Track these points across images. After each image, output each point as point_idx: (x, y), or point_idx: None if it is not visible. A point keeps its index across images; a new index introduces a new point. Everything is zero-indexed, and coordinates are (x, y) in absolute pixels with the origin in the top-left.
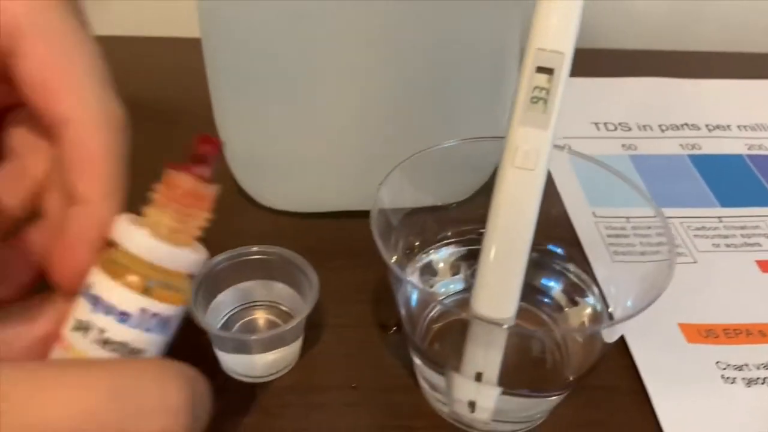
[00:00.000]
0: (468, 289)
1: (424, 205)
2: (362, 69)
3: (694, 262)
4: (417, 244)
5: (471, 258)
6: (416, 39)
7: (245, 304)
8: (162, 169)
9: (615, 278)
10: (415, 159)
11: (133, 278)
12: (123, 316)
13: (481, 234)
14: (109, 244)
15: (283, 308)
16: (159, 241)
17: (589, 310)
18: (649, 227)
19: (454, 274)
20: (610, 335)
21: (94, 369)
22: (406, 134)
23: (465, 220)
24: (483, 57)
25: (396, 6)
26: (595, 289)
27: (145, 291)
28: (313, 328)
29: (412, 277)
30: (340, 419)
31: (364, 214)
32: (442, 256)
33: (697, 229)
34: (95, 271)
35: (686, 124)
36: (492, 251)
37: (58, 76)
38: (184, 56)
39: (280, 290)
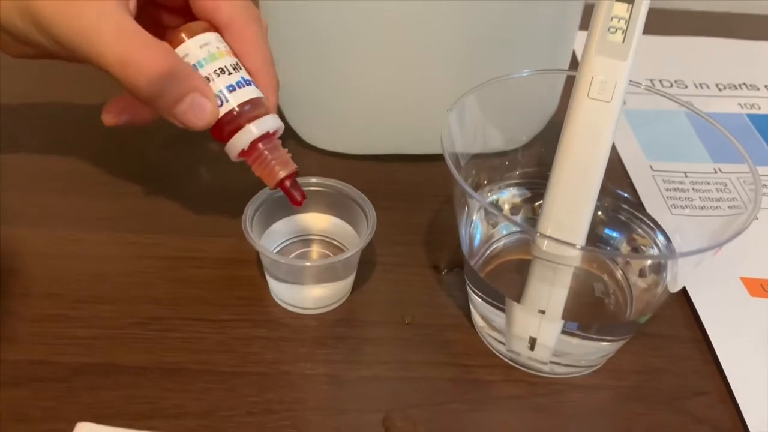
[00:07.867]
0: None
1: (491, 149)
2: (418, 7)
3: (756, 219)
4: (485, 182)
5: (534, 200)
6: None
7: (299, 235)
8: None
9: (681, 229)
10: (486, 87)
11: None
12: None
13: (546, 178)
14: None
15: (336, 243)
16: None
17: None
18: (708, 183)
19: (517, 215)
20: (673, 284)
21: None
22: (458, 76)
23: (530, 164)
24: None
25: None
26: (660, 239)
27: None
28: (362, 265)
29: (478, 215)
30: (392, 353)
31: (411, 158)
32: (506, 196)
33: None
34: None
35: (744, 84)
36: (562, 183)
37: None
38: None
39: (335, 224)
